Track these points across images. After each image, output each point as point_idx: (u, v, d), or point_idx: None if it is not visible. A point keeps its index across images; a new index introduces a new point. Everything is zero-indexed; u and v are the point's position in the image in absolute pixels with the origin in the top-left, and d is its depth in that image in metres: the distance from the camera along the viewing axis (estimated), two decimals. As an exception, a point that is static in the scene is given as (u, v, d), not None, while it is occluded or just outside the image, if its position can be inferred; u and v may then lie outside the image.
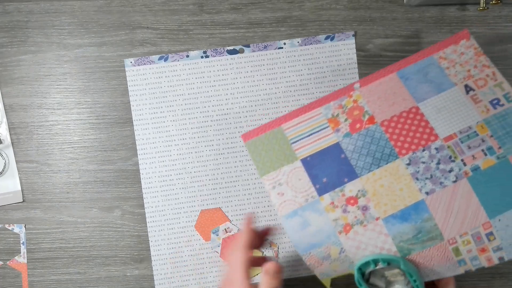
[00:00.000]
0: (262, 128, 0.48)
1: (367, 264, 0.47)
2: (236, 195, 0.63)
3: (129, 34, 0.64)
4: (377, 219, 0.46)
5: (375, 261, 0.47)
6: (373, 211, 0.46)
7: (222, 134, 0.63)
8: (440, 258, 0.45)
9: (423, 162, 0.45)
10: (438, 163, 0.45)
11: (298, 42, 0.63)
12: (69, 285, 0.64)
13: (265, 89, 0.64)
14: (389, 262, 0.46)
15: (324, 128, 0.47)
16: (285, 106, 0.63)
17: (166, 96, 0.63)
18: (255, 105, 0.63)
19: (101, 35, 0.64)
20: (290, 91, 0.63)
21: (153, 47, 0.64)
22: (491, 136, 0.44)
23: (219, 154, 0.63)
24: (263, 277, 0.46)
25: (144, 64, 0.63)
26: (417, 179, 0.45)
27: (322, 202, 0.47)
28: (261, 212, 0.63)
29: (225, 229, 0.64)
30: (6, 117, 0.64)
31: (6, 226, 0.63)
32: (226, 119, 0.63)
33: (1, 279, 0.63)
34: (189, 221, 0.63)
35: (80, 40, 0.64)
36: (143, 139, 0.63)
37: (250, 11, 0.64)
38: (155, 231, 0.63)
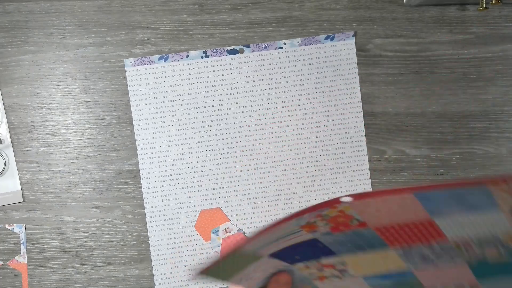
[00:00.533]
0: (217, 261, 0.39)
1: None
2: (236, 195, 0.63)
3: (129, 34, 0.64)
4: (355, 277, 0.42)
5: None
6: (351, 272, 0.42)
7: (222, 134, 0.63)
8: None
9: (419, 252, 0.38)
10: (438, 253, 0.38)
11: (298, 42, 0.63)
12: (69, 285, 0.64)
13: (265, 89, 0.64)
14: None
15: (296, 233, 0.38)
16: (285, 106, 0.63)
17: (166, 96, 0.63)
18: (255, 105, 0.63)
19: (101, 35, 0.64)
20: (290, 91, 0.63)
21: (153, 47, 0.64)
22: None
23: (219, 154, 0.63)
24: (271, 285, 0.46)
25: (144, 64, 0.63)
26: (407, 261, 0.39)
27: (295, 267, 0.43)
28: (261, 212, 0.63)
29: (225, 229, 0.64)
30: (6, 117, 0.64)
31: (6, 226, 0.63)
32: (226, 119, 0.63)
33: (1, 279, 0.63)
34: (189, 221, 0.63)
35: (80, 40, 0.64)
36: (143, 139, 0.63)
37: (250, 11, 0.64)
38: (155, 231, 0.63)
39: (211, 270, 0.39)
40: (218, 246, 0.63)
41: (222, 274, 0.41)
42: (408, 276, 0.41)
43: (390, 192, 0.32)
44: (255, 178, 0.63)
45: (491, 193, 0.32)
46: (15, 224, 0.64)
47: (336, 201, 0.33)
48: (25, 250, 0.64)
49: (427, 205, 0.33)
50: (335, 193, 0.64)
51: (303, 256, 0.42)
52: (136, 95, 0.63)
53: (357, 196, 0.33)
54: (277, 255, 0.41)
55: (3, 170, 0.63)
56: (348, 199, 0.33)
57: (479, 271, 0.39)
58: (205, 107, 0.63)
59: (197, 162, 0.63)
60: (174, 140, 0.63)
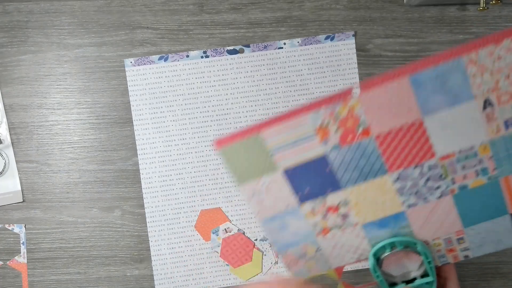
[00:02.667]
0: (239, 134, 0.41)
1: (382, 248, 0.47)
2: (236, 195, 0.63)
3: (129, 34, 0.64)
4: (355, 224, 0.47)
5: (391, 245, 0.47)
6: (352, 218, 0.46)
7: (222, 134, 0.63)
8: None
9: (412, 179, 0.43)
10: (427, 180, 0.43)
11: (298, 42, 0.63)
12: (69, 285, 0.64)
13: (265, 89, 0.64)
14: (406, 245, 0.47)
15: (311, 138, 0.41)
16: (285, 106, 0.63)
17: (166, 96, 0.63)
18: (255, 105, 0.63)
19: (101, 35, 0.64)
20: (290, 91, 0.63)
21: (153, 47, 0.64)
22: (491, 157, 0.42)
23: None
24: None
25: (144, 64, 0.63)
26: (402, 194, 0.44)
27: (302, 209, 0.46)
28: (261, 212, 0.63)
29: (225, 229, 0.64)
30: (6, 117, 0.64)
31: (6, 226, 0.63)
32: (226, 119, 0.63)
33: (1, 279, 0.63)
34: (189, 221, 0.63)
35: (80, 40, 0.64)
36: (143, 139, 0.63)
37: (250, 11, 0.64)
38: (155, 231, 0.63)
39: (231, 149, 0.43)
40: (218, 246, 0.63)
41: (239, 168, 0.43)
42: (402, 221, 0.46)
43: (389, 77, 0.38)
44: (255, 178, 0.63)
45: (464, 69, 0.38)
46: (15, 224, 0.64)
47: (348, 91, 0.39)
48: (25, 250, 0.64)
49: (419, 94, 0.39)
50: (335, 193, 0.64)
51: (313, 188, 0.44)
52: (136, 95, 0.63)
53: (364, 85, 0.39)
54: (290, 176, 0.44)
55: (3, 170, 0.63)
56: (357, 90, 0.39)
57: (460, 202, 0.44)
58: (205, 107, 0.63)
59: (197, 162, 0.63)
60: (174, 140, 0.63)
